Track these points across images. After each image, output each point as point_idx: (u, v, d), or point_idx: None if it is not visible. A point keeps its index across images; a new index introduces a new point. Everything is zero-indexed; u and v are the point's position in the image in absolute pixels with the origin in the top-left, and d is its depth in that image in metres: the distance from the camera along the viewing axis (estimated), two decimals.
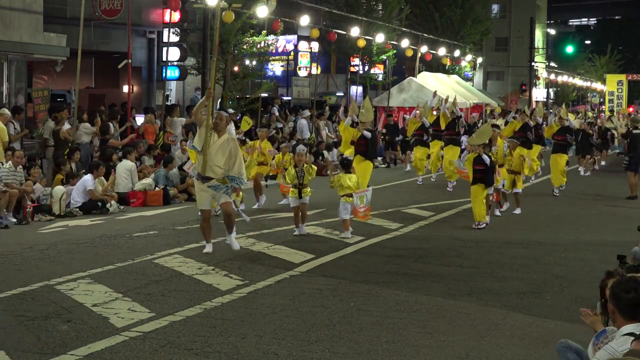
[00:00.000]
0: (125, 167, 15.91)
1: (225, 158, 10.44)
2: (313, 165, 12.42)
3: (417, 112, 20.73)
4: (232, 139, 10.73)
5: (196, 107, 10.88)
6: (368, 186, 14.07)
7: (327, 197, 16.34)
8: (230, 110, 22.07)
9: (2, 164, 13.84)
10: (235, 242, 10.81)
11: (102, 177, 15.15)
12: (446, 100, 20.62)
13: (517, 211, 15.15)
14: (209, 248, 10.62)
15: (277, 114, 26.95)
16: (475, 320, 7.67)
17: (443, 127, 19.89)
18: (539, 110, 21.85)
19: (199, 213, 11.21)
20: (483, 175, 13.40)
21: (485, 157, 13.38)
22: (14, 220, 13.14)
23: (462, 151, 18.80)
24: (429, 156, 20.48)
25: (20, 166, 13.98)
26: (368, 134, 14.39)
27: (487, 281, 9.39)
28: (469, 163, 13.61)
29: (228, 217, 10.68)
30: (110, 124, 18.16)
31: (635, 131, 18.89)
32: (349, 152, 15.13)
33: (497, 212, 14.85)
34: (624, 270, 5.99)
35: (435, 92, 22.36)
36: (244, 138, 16.44)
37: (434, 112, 21.24)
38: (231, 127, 21.13)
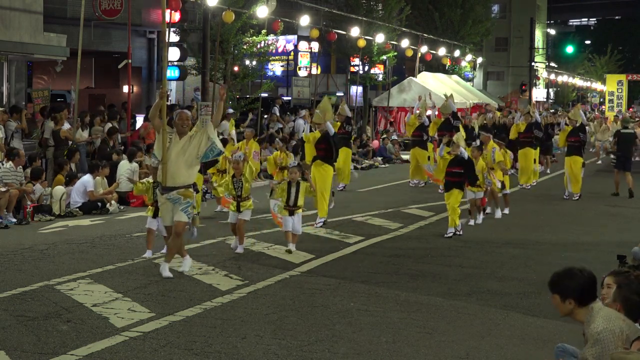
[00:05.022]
0: (128, 167, 15.89)
1: (185, 158, 9.14)
2: (247, 174, 10.74)
3: (417, 111, 20.70)
4: (196, 134, 9.23)
5: (152, 111, 9.43)
6: (332, 193, 13.34)
7: None
8: (231, 110, 22.11)
9: (3, 164, 13.85)
10: (167, 269, 9.13)
11: (105, 178, 15.14)
12: (433, 106, 20.61)
13: (506, 211, 14.97)
14: (186, 265, 9.38)
15: (277, 114, 26.96)
16: (475, 320, 7.68)
17: (432, 133, 19.83)
18: (532, 107, 21.60)
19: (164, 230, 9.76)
20: (459, 179, 12.61)
21: (463, 151, 12.50)
22: (14, 220, 13.13)
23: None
24: (429, 158, 20.39)
25: (20, 166, 13.99)
26: (331, 129, 13.37)
27: (487, 281, 9.39)
28: (443, 165, 12.82)
29: (176, 237, 9.19)
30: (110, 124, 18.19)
31: (623, 131, 19.31)
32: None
33: (499, 214, 14.78)
34: (633, 270, 6.00)
35: (420, 96, 22.18)
36: (227, 137, 16.25)
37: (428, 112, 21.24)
38: (228, 126, 21.18)
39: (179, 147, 9.15)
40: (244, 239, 10.82)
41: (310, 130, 14.02)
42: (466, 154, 12.65)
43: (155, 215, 10.22)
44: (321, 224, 13.18)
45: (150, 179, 10.59)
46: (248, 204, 10.69)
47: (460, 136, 12.88)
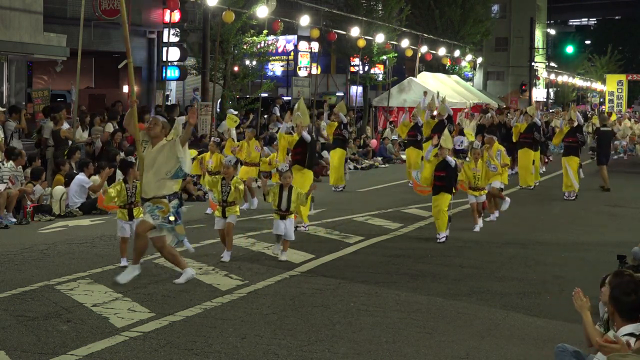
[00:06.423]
0: None
1: (154, 170, 8.62)
2: (241, 186, 10.41)
3: (423, 106, 20.66)
4: (168, 144, 8.65)
5: (125, 119, 9.11)
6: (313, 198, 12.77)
7: (328, 197, 16.35)
8: (232, 111, 22.11)
9: (3, 164, 13.85)
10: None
11: (106, 183, 15.13)
12: (438, 96, 20.55)
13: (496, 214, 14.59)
14: (187, 274, 8.86)
15: (278, 114, 26.97)
16: (475, 320, 7.68)
17: (426, 134, 19.58)
18: (531, 110, 21.23)
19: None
20: (445, 183, 12.14)
21: (450, 159, 12.12)
22: (14, 220, 13.13)
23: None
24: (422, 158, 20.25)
25: (21, 166, 13.98)
26: (307, 137, 13.23)
27: (487, 281, 9.39)
28: (430, 169, 12.43)
29: (137, 237, 8.77)
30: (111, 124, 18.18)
31: (602, 128, 20.33)
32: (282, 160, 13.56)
33: (495, 215, 14.69)
34: (634, 270, 6.02)
35: (425, 92, 22.18)
36: (219, 140, 16.05)
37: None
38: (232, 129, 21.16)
39: (150, 158, 8.65)
40: (232, 244, 10.32)
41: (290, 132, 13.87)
42: (453, 161, 12.20)
43: (130, 218, 9.81)
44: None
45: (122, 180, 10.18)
46: (234, 210, 10.30)
47: (447, 138, 12.39)
